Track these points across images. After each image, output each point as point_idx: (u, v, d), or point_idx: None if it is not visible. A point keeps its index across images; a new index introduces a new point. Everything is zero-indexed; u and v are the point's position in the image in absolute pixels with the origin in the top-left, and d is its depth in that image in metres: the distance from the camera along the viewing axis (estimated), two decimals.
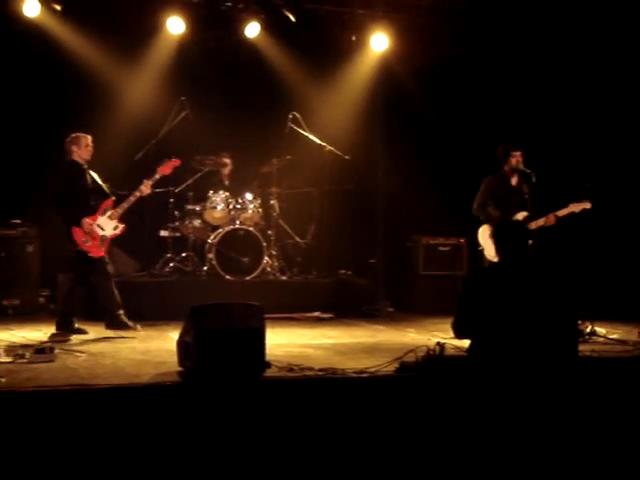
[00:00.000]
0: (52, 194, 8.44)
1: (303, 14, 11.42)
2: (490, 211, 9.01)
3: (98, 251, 8.38)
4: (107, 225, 8.44)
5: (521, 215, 8.89)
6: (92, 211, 8.42)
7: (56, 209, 8.47)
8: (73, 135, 8.54)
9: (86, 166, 8.56)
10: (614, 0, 10.41)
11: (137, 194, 8.57)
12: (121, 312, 8.44)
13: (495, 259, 8.65)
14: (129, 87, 11.47)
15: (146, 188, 8.61)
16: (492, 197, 9.07)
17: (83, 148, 8.49)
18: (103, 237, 8.39)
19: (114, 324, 8.39)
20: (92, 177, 8.58)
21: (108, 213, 8.46)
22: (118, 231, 8.53)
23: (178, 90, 11.06)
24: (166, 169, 8.90)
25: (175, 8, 11.11)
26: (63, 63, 10.84)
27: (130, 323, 8.41)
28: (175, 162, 9.02)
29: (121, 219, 8.54)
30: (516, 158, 9.06)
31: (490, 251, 8.80)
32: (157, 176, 8.79)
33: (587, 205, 8.92)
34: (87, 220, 8.31)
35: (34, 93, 10.87)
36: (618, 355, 7.25)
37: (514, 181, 9.16)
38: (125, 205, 8.54)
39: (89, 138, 8.56)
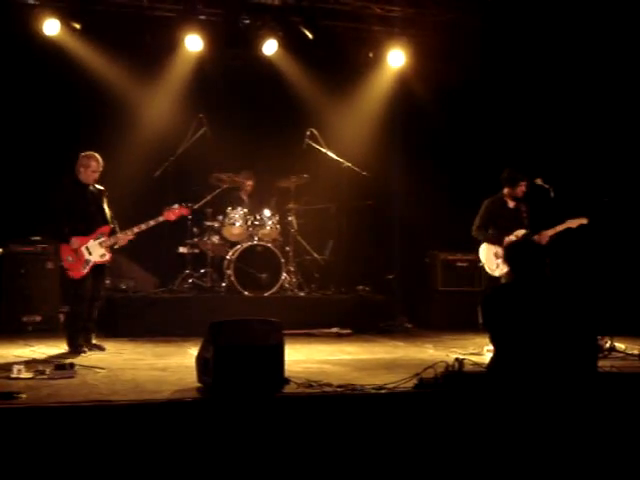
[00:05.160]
0: (50, 208, 8.43)
1: (320, 31, 11.46)
2: (489, 234, 9.13)
3: (78, 272, 8.26)
4: (95, 251, 8.33)
5: (520, 232, 9.02)
6: (86, 232, 8.33)
7: (50, 223, 8.50)
8: (85, 154, 8.49)
9: (91, 187, 8.50)
10: (632, 19, 10.39)
11: (136, 230, 8.53)
12: (78, 335, 8.28)
13: (495, 273, 8.94)
14: (148, 104, 11.54)
15: (141, 227, 8.54)
16: (491, 219, 9.21)
17: (89, 172, 8.43)
18: (87, 261, 8.28)
19: (67, 340, 8.30)
20: (95, 197, 8.51)
21: (100, 239, 8.36)
22: (104, 260, 8.40)
23: (196, 107, 11.13)
24: (172, 215, 8.80)
25: (193, 26, 11.17)
26: (83, 81, 10.92)
27: (84, 349, 8.21)
28: (184, 211, 8.96)
29: (110, 249, 8.46)
30: (521, 188, 9.22)
31: (491, 265, 9.01)
32: (160, 219, 8.70)
33: (584, 221, 9.01)
34: (77, 240, 8.25)
35: (53, 110, 10.95)
36: (638, 371, 7.21)
37: (511, 204, 9.31)
38: (119, 236, 8.49)
39: (100, 162, 8.47)
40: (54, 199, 8.44)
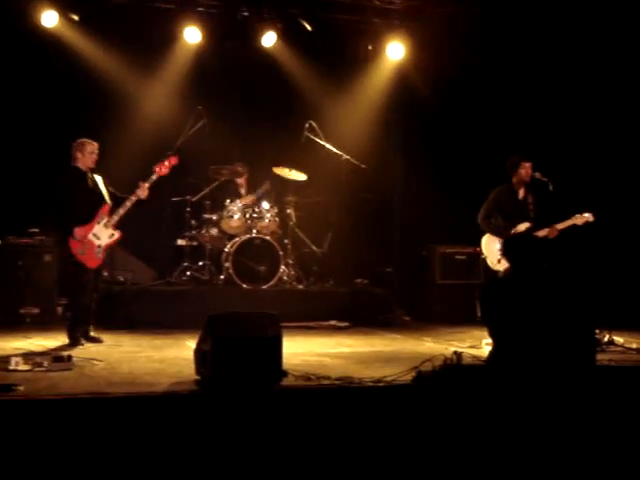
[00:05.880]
0: (50, 200, 8.41)
1: (319, 23, 11.43)
2: (493, 224, 9.10)
3: (94, 261, 8.25)
4: (103, 234, 8.30)
5: (523, 226, 8.96)
6: (88, 219, 8.28)
7: (53, 216, 8.46)
8: (79, 141, 8.47)
9: (89, 173, 8.47)
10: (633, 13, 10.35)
11: (133, 198, 8.42)
12: (78, 327, 8.26)
13: (496, 267, 8.91)
14: (146, 96, 11.51)
15: (142, 191, 8.45)
16: (498, 209, 9.17)
17: (87, 155, 8.40)
18: (99, 246, 8.25)
19: (68, 332, 8.27)
20: (94, 182, 8.48)
21: (104, 221, 8.31)
22: (114, 239, 8.39)
23: (195, 99, 11.09)
24: (164, 169, 8.70)
25: (192, 18, 11.14)
26: (81, 73, 10.89)
27: (82, 341, 8.18)
28: (173, 161, 8.80)
29: (117, 226, 8.41)
30: (525, 170, 9.15)
31: (493, 259, 8.97)
32: (154, 177, 8.61)
33: (590, 218, 8.96)
34: (80, 230, 8.19)
35: (51, 102, 10.91)
36: (636, 364, 7.21)
37: (521, 193, 9.26)
38: (121, 211, 8.40)
39: (95, 145, 8.47)
40: (54, 193, 8.41)
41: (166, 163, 8.77)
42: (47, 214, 8.73)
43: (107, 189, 8.55)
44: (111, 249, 8.78)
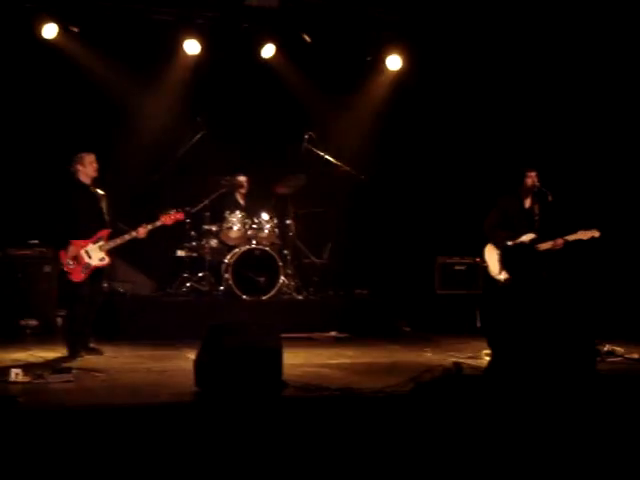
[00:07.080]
0: (50, 210, 8.46)
1: (318, 35, 11.44)
2: (498, 233, 9.03)
3: (78, 276, 8.26)
4: (95, 254, 8.33)
5: (528, 237, 8.91)
6: (85, 235, 8.34)
7: (51, 226, 8.50)
8: (77, 155, 8.53)
9: (92, 187, 8.54)
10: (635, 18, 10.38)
11: (133, 234, 8.51)
12: (78, 339, 8.29)
13: (497, 277, 8.82)
14: (146, 108, 11.51)
15: (143, 232, 8.53)
16: (503, 217, 9.10)
17: (88, 166, 8.45)
18: (87, 265, 8.27)
19: (67, 344, 8.29)
20: (95, 197, 8.53)
21: (100, 243, 8.35)
22: (103, 263, 8.41)
23: (194, 110, 11.13)
24: (168, 220, 8.78)
25: (191, 30, 11.16)
26: (81, 84, 10.91)
27: (82, 353, 8.19)
28: (179, 216, 8.92)
29: (109, 253, 8.48)
30: (531, 179, 9.09)
31: (494, 268, 8.86)
32: (158, 223, 8.69)
33: (596, 234, 8.90)
34: (76, 243, 8.26)
35: (51, 115, 10.93)
36: (637, 374, 7.22)
37: (527, 203, 9.20)
38: (118, 241, 8.48)
39: (92, 156, 8.52)
40: (53, 204, 8.46)
41: (172, 216, 8.83)
42: (45, 224, 8.75)
43: (107, 210, 8.59)
44: (112, 260, 8.78)
